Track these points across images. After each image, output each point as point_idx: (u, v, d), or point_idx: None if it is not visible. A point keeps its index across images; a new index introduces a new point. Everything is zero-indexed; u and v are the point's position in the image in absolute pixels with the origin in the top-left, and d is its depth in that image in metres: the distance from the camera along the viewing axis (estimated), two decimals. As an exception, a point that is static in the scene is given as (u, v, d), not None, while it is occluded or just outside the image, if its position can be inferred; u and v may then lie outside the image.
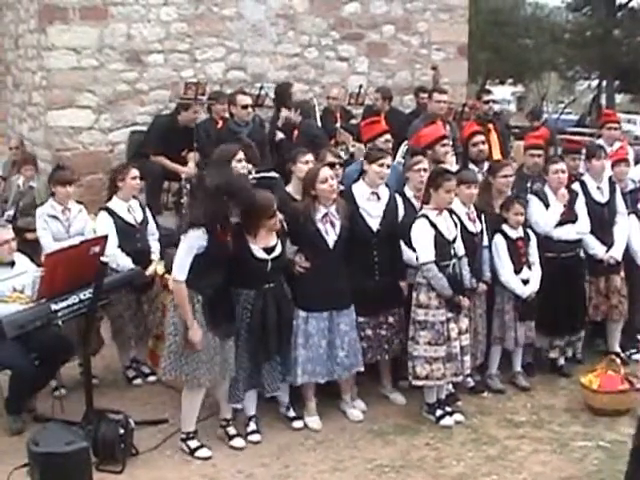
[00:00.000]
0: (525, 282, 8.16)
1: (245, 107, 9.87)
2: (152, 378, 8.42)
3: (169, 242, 8.87)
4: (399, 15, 13.92)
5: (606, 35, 35.32)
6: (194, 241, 6.61)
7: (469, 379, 8.14)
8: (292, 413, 7.54)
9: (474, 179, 8.04)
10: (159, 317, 8.28)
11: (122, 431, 6.72)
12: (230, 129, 9.88)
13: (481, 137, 9.32)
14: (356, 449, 7.12)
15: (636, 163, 9.90)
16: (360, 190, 7.67)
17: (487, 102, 12.06)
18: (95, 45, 11.76)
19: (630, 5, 37.30)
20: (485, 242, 8.12)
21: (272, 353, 7.08)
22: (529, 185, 8.80)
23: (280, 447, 7.12)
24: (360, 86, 13.03)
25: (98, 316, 7.77)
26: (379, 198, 7.67)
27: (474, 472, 6.73)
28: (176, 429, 7.18)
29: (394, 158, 9.58)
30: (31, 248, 8.38)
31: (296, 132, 10.69)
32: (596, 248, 8.77)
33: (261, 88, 12.29)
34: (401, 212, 7.80)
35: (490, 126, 10.89)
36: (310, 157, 7.82)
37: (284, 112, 10.95)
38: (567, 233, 8.50)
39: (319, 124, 11.17)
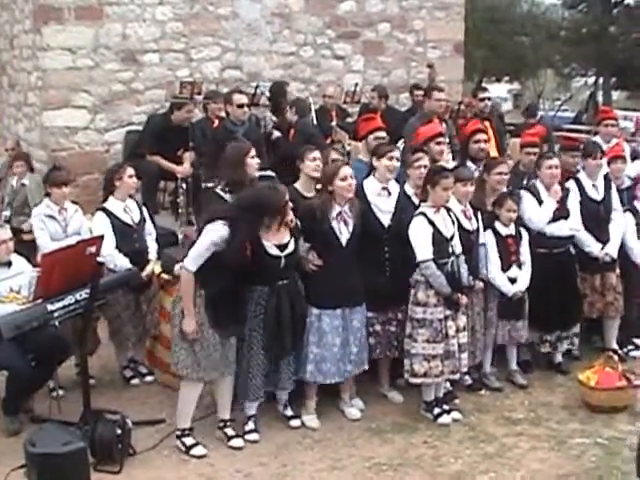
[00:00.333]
0: (513, 281, 8.16)
1: (241, 106, 9.86)
2: (149, 378, 8.41)
3: (166, 242, 8.88)
4: (395, 13, 13.93)
5: (602, 32, 35.30)
6: (217, 239, 6.60)
7: (467, 377, 8.14)
8: (290, 412, 7.53)
9: (470, 177, 8.04)
10: (157, 317, 8.28)
11: (119, 431, 6.70)
12: (226, 128, 9.87)
13: (484, 136, 9.27)
14: (354, 448, 7.11)
15: (632, 160, 9.88)
16: (371, 186, 7.67)
17: (483, 100, 12.05)
18: (90, 45, 11.76)
19: (626, 2, 37.26)
20: (481, 240, 8.11)
21: (288, 349, 7.11)
22: (525, 182, 8.79)
23: (278, 446, 7.11)
24: (356, 84, 13.03)
25: (95, 316, 7.75)
26: (390, 193, 7.69)
27: (472, 470, 6.72)
28: (173, 429, 7.16)
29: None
30: (27, 249, 8.36)
31: (292, 131, 10.69)
32: (592, 246, 8.76)
33: (257, 87, 12.29)
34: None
35: (486, 123, 10.87)
36: (317, 154, 7.84)
37: (289, 114, 10.96)
38: (559, 229, 8.50)
39: (314, 122, 11.16)
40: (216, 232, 6.62)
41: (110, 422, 6.78)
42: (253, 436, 7.20)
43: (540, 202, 8.48)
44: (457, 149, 9.66)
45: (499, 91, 38.70)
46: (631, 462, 6.69)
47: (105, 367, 8.61)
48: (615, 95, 41.44)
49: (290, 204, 7.01)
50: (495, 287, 8.14)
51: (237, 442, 7.08)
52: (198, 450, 6.95)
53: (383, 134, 8.68)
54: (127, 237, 8.14)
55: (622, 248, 8.91)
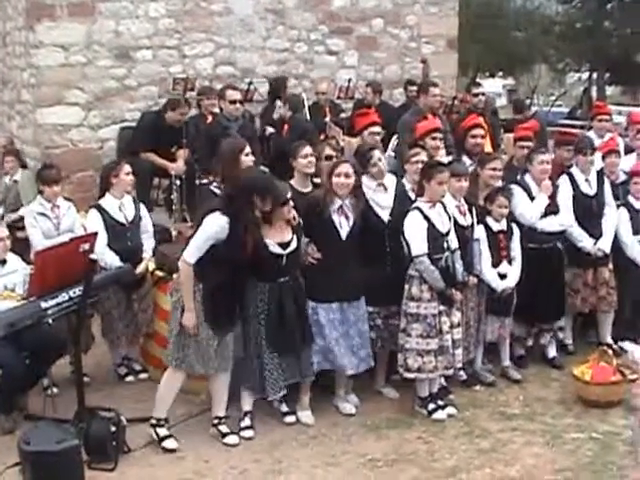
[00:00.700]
0: (503, 276, 8.16)
1: (233, 102, 9.81)
2: (143, 375, 8.42)
3: (160, 239, 8.86)
4: (388, 9, 13.92)
5: (596, 27, 35.27)
6: (215, 229, 6.64)
7: (461, 372, 8.13)
8: (285, 408, 7.53)
9: (465, 172, 8.03)
10: (150, 315, 8.27)
11: (114, 429, 6.71)
12: (220, 124, 9.84)
13: (481, 131, 9.27)
14: (349, 444, 7.11)
15: (626, 154, 9.87)
16: (366, 183, 7.67)
17: (477, 95, 12.04)
18: (83, 42, 11.74)
19: (620, -3, 37.34)
20: (476, 235, 8.11)
21: (297, 345, 7.12)
22: (518, 177, 8.78)
23: (273, 443, 7.11)
24: (349, 80, 13.01)
25: (89, 313, 7.73)
26: (386, 189, 7.69)
27: (467, 465, 6.72)
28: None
29: (385, 151, 9.58)
30: (21, 246, 8.34)
31: (286, 127, 10.67)
32: (584, 241, 8.76)
33: (250, 83, 12.28)
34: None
35: (480, 118, 10.84)
36: (309, 150, 7.83)
37: (278, 103, 10.92)
38: (550, 225, 8.51)
39: (308, 118, 11.15)
40: (214, 222, 6.65)
41: (104, 419, 6.78)
42: (248, 433, 7.19)
43: (531, 197, 8.48)
44: (451, 144, 9.63)
45: (493, 86, 38.68)
46: (626, 456, 6.72)
47: (99, 364, 8.59)
48: (609, 90, 41.41)
49: (292, 203, 7.04)
50: (484, 283, 8.14)
51: (231, 439, 7.08)
52: (169, 443, 6.94)
53: (378, 129, 8.69)
54: (119, 235, 8.11)
55: (615, 243, 8.91)
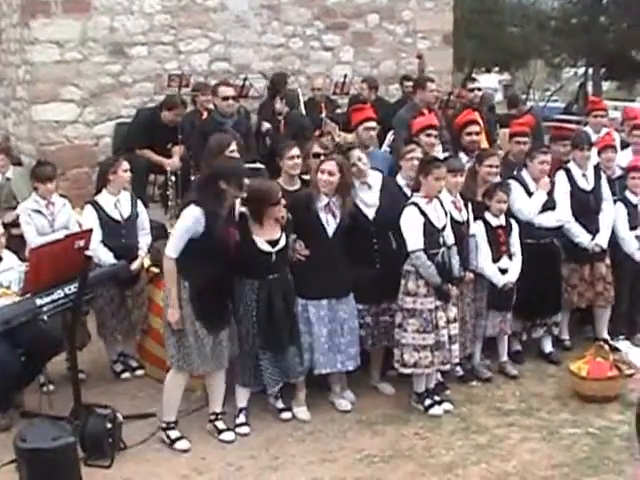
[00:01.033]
0: (503, 271, 8.16)
1: (226, 99, 9.80)
2: (140, 372, 8.41)
3: (155, 235, 8.84)
4: (384, 4, 13.91)
5: (592, 22, 35.23)
6: (191, 221, 6.65)
7: (458, 368, 8.13)
8: (281, 404, 7.52)
9: (460, 167, 8.03)
10: (145, 312, 8.27)
11: (110, 425, 6.70)
12: (214, 120, 9.83)
13: (476, 127, 9.25)
14: (345, 440, 7.11)
15: (622, 149, 9.87)
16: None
17: (472, 90, 12.02)
18: (78, 38, 11.70)
19: (615, -8, 37.31)
20: (471, 231, 8.10)
21: (286, 342, 7.12)
22: (515, 173, 8.78)
23: (269, 439, 7.10)
24: (345, 76, 13.00)
25: (84, 310, 7.73)
26: (370, 186, 7.67)
27: (463, 461, 6.72)
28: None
29: (381, 146, 9.59)
30: (16, 243, 8.33)
31: (283, 122, 10.64)
32: (581, 236, 8.75)
33: (245, 79, 12.26)
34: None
35: (476, 114, 10.83)
36: (296, 152, 7.87)
37: (278, 103, 10.90)
38: (547, 220, 8.50)
39: (304, 114, 11.13)
40: (189, 214, 6.68)
41: (100, 416, 6.76)
42: (244, 429, 7.20)
43: (529, 193, 8.48)
44: (446, 140, 9.63)
45: (489, 82, 38.68)
46: (623, 451, 6.72)
47: (95, 361, 8.58)
48: (605, 85, 41.44)
49: (283, 202, 7.04)
50: (485, 278, 8.14)
51: (228, 435, 7.07)
52: (182, 444, 6.94)
53: (373, 124, 8.67)
54: (114, 232, 8.10)
55: (612, 238, 8.91)
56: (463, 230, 7.89)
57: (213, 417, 7.18)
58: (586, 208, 8.79)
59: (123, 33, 11.99)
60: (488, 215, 8.19)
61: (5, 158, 10.27)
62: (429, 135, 8.59)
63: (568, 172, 8.85)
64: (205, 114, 10.68)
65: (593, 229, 8.81)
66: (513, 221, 8.32)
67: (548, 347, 8.77)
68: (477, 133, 9.22)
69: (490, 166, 8.33)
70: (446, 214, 7.53)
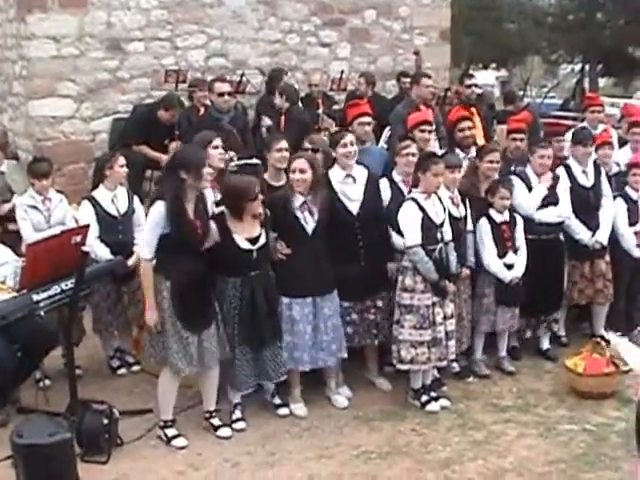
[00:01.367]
0: (509, 267, 8.15)
1: (222, 94, 9.78)
2: (136, 368, 8.40)
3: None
4: (381, 0, 13.87)
5: (589, 19, 35.21)
6: (157, 216, 6.63)
7: (454, 364, 8.14)
8: (278, 400, 7.53)
9: (458, 163, 8.03)
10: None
11: (106, 421, 6.70)
12: (211, 116, 9.82)
13: (468, 123, 9.29)
14: (342, 436, 7.11)
15: (620, 146, 9.87)
16: (335, 175, 7.66)
17: (469, 86, 12.02)
18: (75, 33, 11.66)
19: (612, -12, 37.29)
20: (469, 227, 8.10)
21: (268, 339, 7.08)
22: (513, 169, 8.78)
23: (265, 435, 7.10)
24: (342, 72, 12.99)
25: (80, 306, 7.71)
26: (355, 181, 7.66)
27: (460, 457, 6.72)
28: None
29: (378, 142, 9.58)
30: (12, 239, 8.32)
31: (283, 119, 10.60)
32: (581, 233, 8.75)
33: (242, 75, 12.25)
34: (388, 196, 7.80)
35: (473, 110, 10.85)
36: (284, 145, 7.84)
37: (277, 98, 10.87)
38: (548, 216, 8.49)
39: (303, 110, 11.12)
40: (154, 211, 6.66)
41: (97, 412, 6.77)
42: (240, 424, 7.20)
43: (530, 188, 8.48)
44: (443, 136, 9.64)
45: (487, 78, 38.59)
46: (619, 448, 6.73)
47: (92, 357, 8.58)
48: (602, 82, 41.41)
49: (261, 196, 7.01)
50: (491, 274, 8.13)
51: (224, 432, 7.08)
52: (179, 441, 6.93)
53: (368, 119, 8.66)
54: (111, 228, 8.09)
55: (612, 235, 8.90)
56: (461, 226, 7.89)
57: (208, 415, 7.18)
58: (586, 205, 8.78)
59: (120, 28, 11.95)
60: (492, 211, 8.19)
61: (0, 153, 10.25)
62: (423, 131, 8.58)
63: (568, 168, 8.84)
64: (202, 110, 10.66)
65: (593, 225, 8.81)
66: (517, 216, 8.32)
67: (545, 344, 8.78)
68: (469, 128, 9.24)
69: (491, 162, 8.34)
70: (444, 210, 7.53)
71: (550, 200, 8.49)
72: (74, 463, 6.07)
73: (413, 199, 7.38)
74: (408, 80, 11.86)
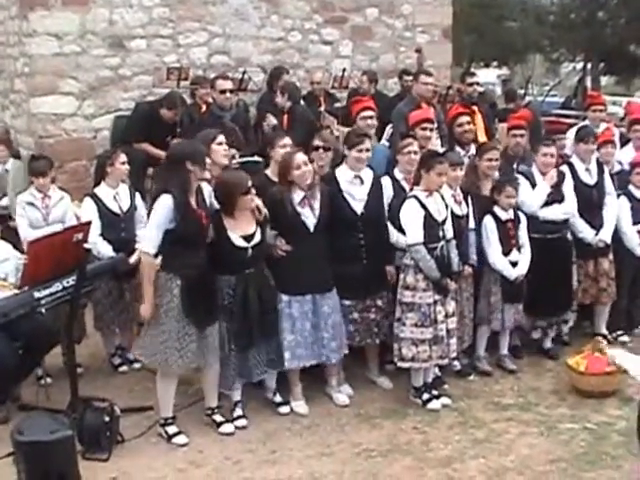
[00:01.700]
0: (514, 264, 8.15)
1: (224, 92, 9.78)
2: (137, 365, 8.38)
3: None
4: (383, -2, 13.87)
5: (591, 17, 35.23)
6: (162, 210, 6.60)
7: (456, 362, 8.14)
8: (279, 398, 7.53)
9: (459, 161, 8.03)
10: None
11: (107, 419, 6.71)
12: (213, 114, 9.82)
13: (466, 118, 9.31)
14: (343, 434, 7.11)
15: (622, 145, 9.86)
16: (343, 174, 7.65)
17: (471, 84, 12.01)
18: (77, 31, 11.65)
19: (614, -13, 37.27)
20: (471, 225, 8.10)
21: (256, 338, 7.06)
22: (515, 166, 8.78)
23: (267, 433, 7.10)
24: (344, 69, 12.99)
25: (82, 303, 7.71)
26: (362, 182, 7.65)
27: (461, 455, 6.72)
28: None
29: (380, 140, 9.57)
30: (13, 235, 8.32)
31: (286, 117, 10.58)
32: (585, 232, 8.74)
33: (244, 72, 12.25)
34: (390, 194, 7.81)
35: (474, 108, 10.84)
36: (288, 141, 7.82)
37: (279, 97, 10.85)
38: (553, 213, 8.47)
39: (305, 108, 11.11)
40: (159, 204, 6.63)
41: (98, 410, 6.77)
42: (241, 422, 7.20)
43: (534, 186, 8.47)
44: (445, 134, 9.64)
45: (488, 76, 38.59)
46: (620, 447, 6.72)
47: (93, 355, 8.58)
48: (604, 80, 41.44)
49: (254, 191, 6.99)
50: (496, 272, 8.13)
51: (227, 427, 7.09)
52: (180, 439, 6.93)
53: (371, 113, 8.68)
54: (113, 225, 8.09)
55: (614, 233, 8.89)
56: (462, 224, 7.89)
57: (210, 412, 7.19)
58: (589, 203, 8.76)
59: (122, 26, 11.95)
60: (497, 209, 8.19)
61: (4, 149, 10.27)
62: (424, 129, 8.58)
63: (571, 166, 8.84)
64: (204, 107, 10.66)
65: (597, 224, 8.80)
66: (521, 213, 8.32)
67: (548, 342, 8.77)
68: (468, 122, 9.25)
69: (490, 160, 8.34)
70: (446, 207, 7.52)
71: (555, 197, 8.48)
72: (75, 460, 6.06)
73: (415, 197, 7.37)
74: (410, 78, 11.88)
